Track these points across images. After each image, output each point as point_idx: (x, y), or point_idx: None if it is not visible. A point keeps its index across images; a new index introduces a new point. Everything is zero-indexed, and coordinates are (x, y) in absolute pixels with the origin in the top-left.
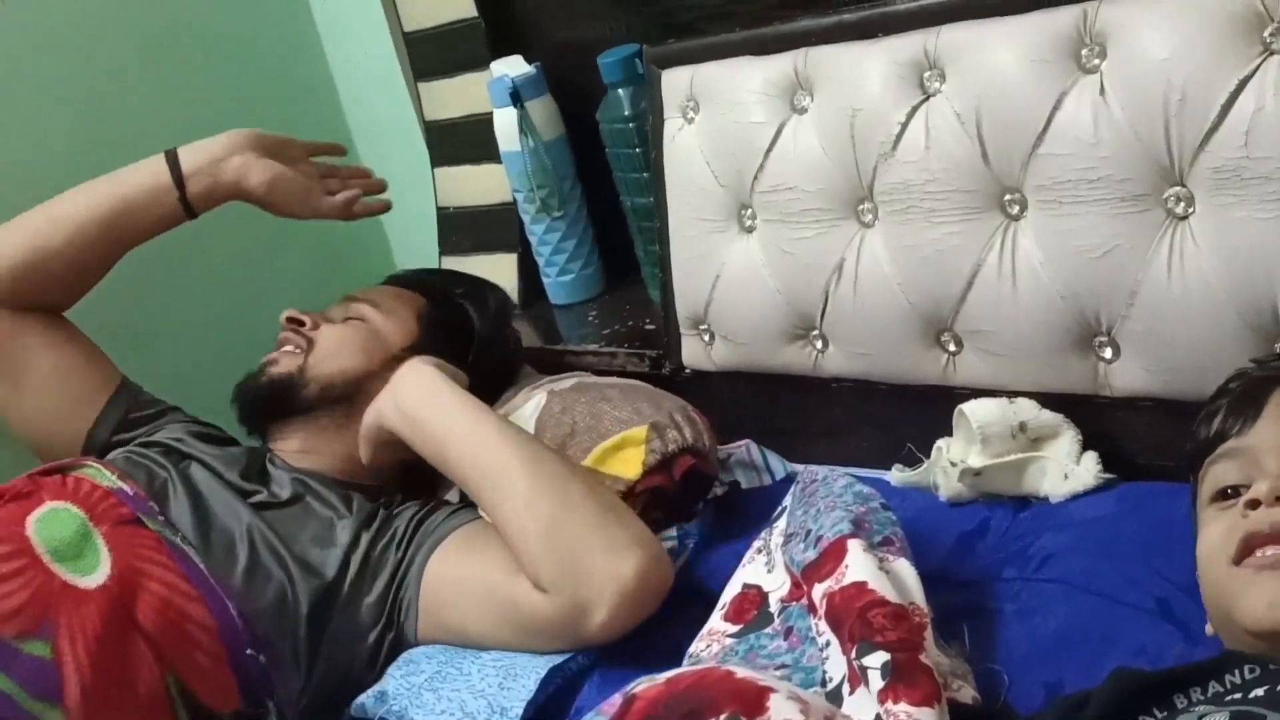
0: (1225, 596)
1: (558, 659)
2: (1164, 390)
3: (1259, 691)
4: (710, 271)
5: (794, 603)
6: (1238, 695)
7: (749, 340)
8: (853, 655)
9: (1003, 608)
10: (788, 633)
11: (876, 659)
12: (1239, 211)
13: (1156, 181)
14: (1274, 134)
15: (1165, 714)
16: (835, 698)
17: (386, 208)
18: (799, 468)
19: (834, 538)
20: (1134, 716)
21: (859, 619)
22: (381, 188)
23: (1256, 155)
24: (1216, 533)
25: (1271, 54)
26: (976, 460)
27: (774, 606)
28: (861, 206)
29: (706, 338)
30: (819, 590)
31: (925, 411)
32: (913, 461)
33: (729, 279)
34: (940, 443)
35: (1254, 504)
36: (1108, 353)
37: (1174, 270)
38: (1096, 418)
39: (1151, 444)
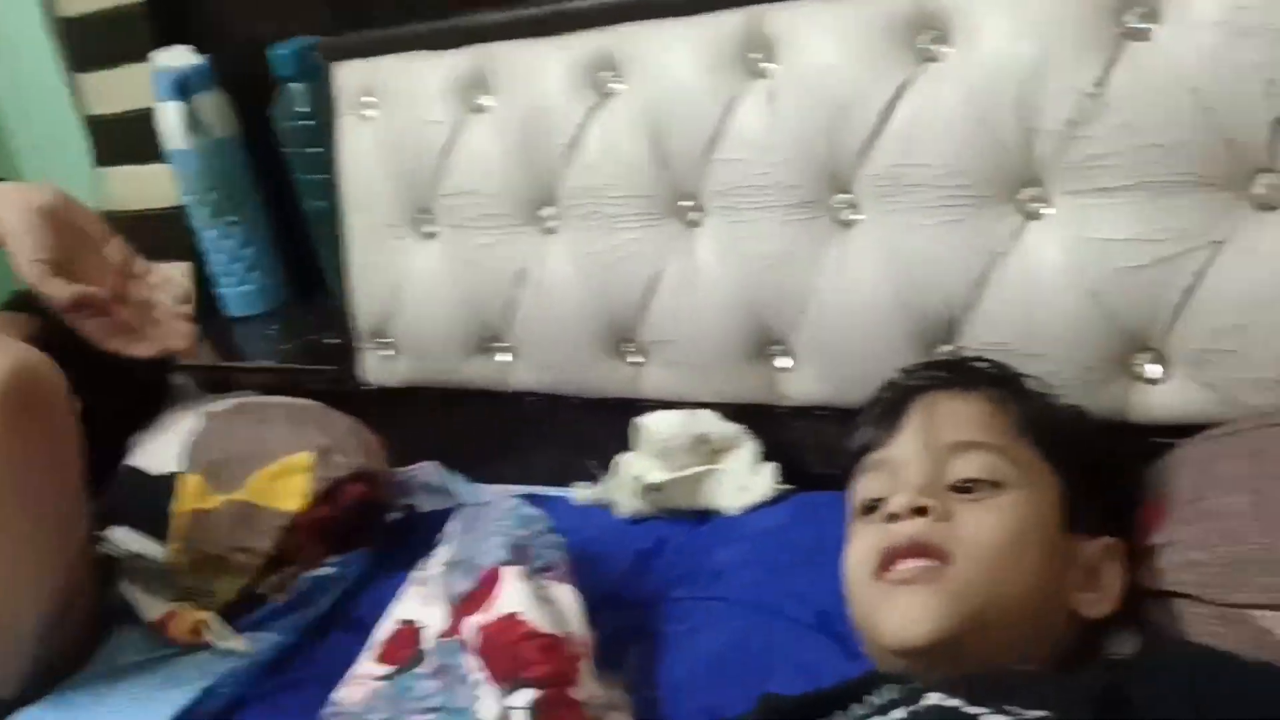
0: (867, 612)
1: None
2: (836, 398)
3: (899, 714)
4: (391, 280)
5: (449, 638)
6: (877, 718)
7: (433, 353)
8: (499, 694)
9: (669, 629)
10: (441, 671)
11: (523, 697)
12: (901, 219)
13: (824, 188)
14: (931, 141)
15: None
16: None
17: None
18: (484, 488)
19: (490, 565)
20: None
21: (508, 654)
22: None
23: (915, 162)
24: (861, 546)
25: (928, 60)
26: (657, 475)
27: (429, 644)
28: (544, 211)
29: (389, 351)
30: (471, 623)
31: (613, 425)
32: (593, 478)
33: (410, 288)
34: (621, 458)
35: (894, 516)
36: (783, 361)
37: (842, 277)
38: (775, 427)
39: (825, 452)
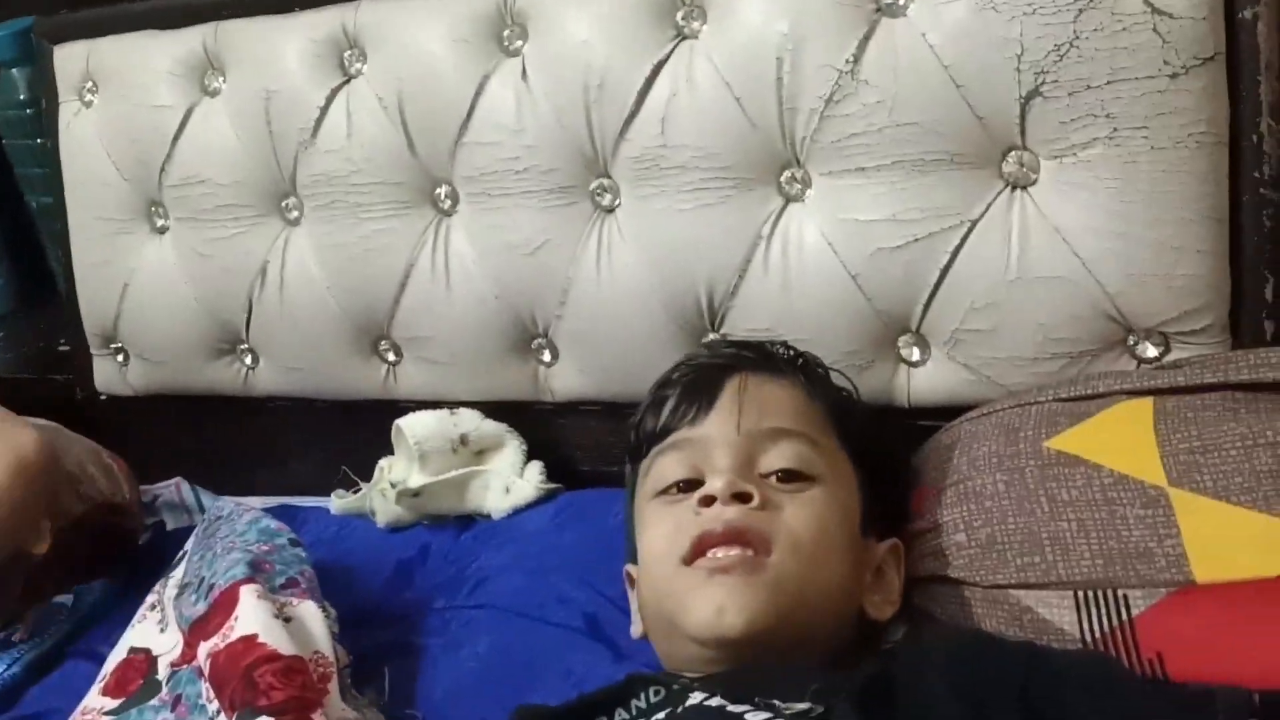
0: (672, 600)
1: None
2: (601, 393)
3: (660, 716)
4: (118, 279)
5: (184, 666)
6: None
7: (169, 358)
8: None
9: (430, 642)
10: (175, 702)
11: None
12: (660, 203)
13: (582, 172)
14: (689, 121)
15: None
16: None
17: None
18: (232, 502)
19: (227, 584)
20: None
21: (243, 680)
22: None
23: (673, 143)
24: (664, 531)
25: (684, 38)
26: (416, 480)
27: (162, 672)
28: (285, 202)
29: (120, 357)
30: (204, 649)
31: (370, 428)
32: (353, 485)
33: (140, 287)
34: (382, 463)
35: (708, 501)
36: (546, 355)
37: (603, 265)
38: (540, 425)
39: (594, 449)
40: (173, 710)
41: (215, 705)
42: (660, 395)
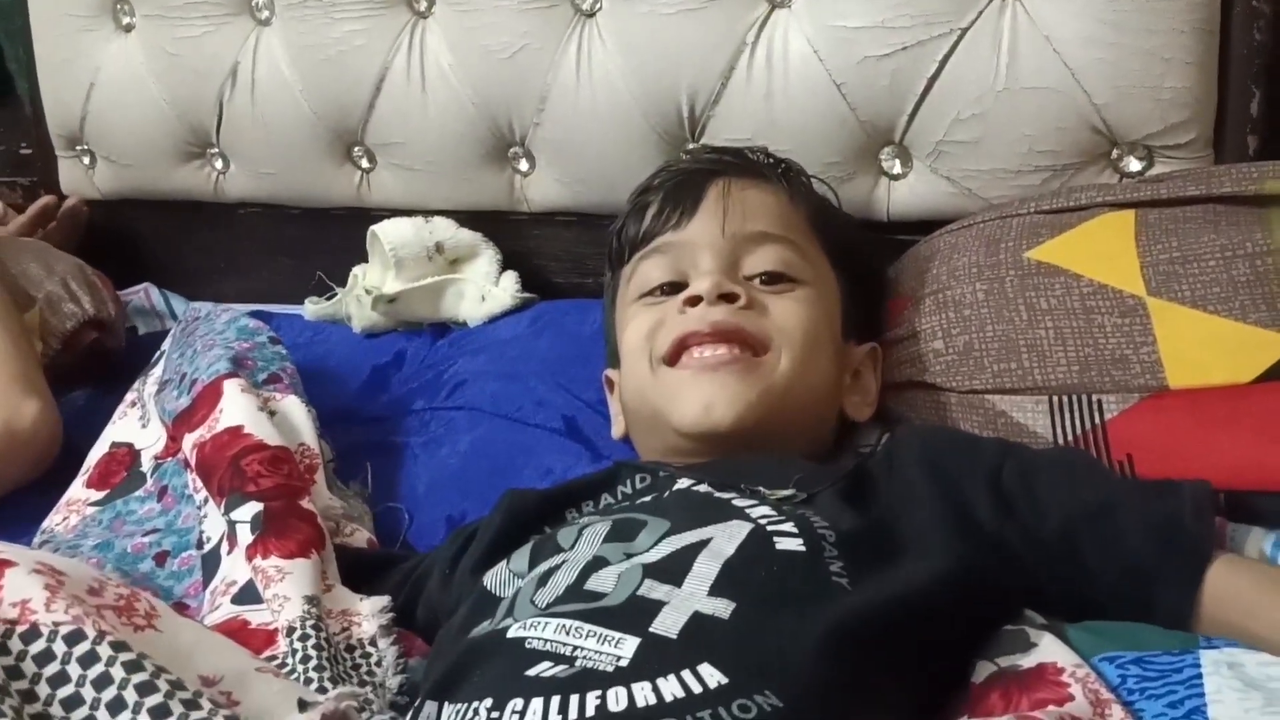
0: (655, 395)
1: None
2: (578, 203)
3: (646, 499)
4: (84, 79)
5: (169, 458)
6: (625, 505)
7: (136, 161)
8: (223, 509)
9: (409, 441)
10: (162, 493)
11: (247, 511)
12: (643, 7)
13: None
14: None
15: (553, 528)
16: (213, 559)
17: None
18: (205, 307)
19: (210, 379)
20: (526, 537)
21: (231, 468)
22: None
23: None
24: (643, 328)
25: None
26: (391, 286)
27: (147, 465)
28: (256, 0)
29: (86, 160)
30: (190, 440)
31: (342, 236)
32: (326, 291)
33: (106, 87)
34: (356, 269)
35: (694, 301)
36: (523, 165)
37: (582, 71)
38: (515, 235)
39: (569, 260)
40: (159, 500)
41: (202, 495)
42: (642, 201)
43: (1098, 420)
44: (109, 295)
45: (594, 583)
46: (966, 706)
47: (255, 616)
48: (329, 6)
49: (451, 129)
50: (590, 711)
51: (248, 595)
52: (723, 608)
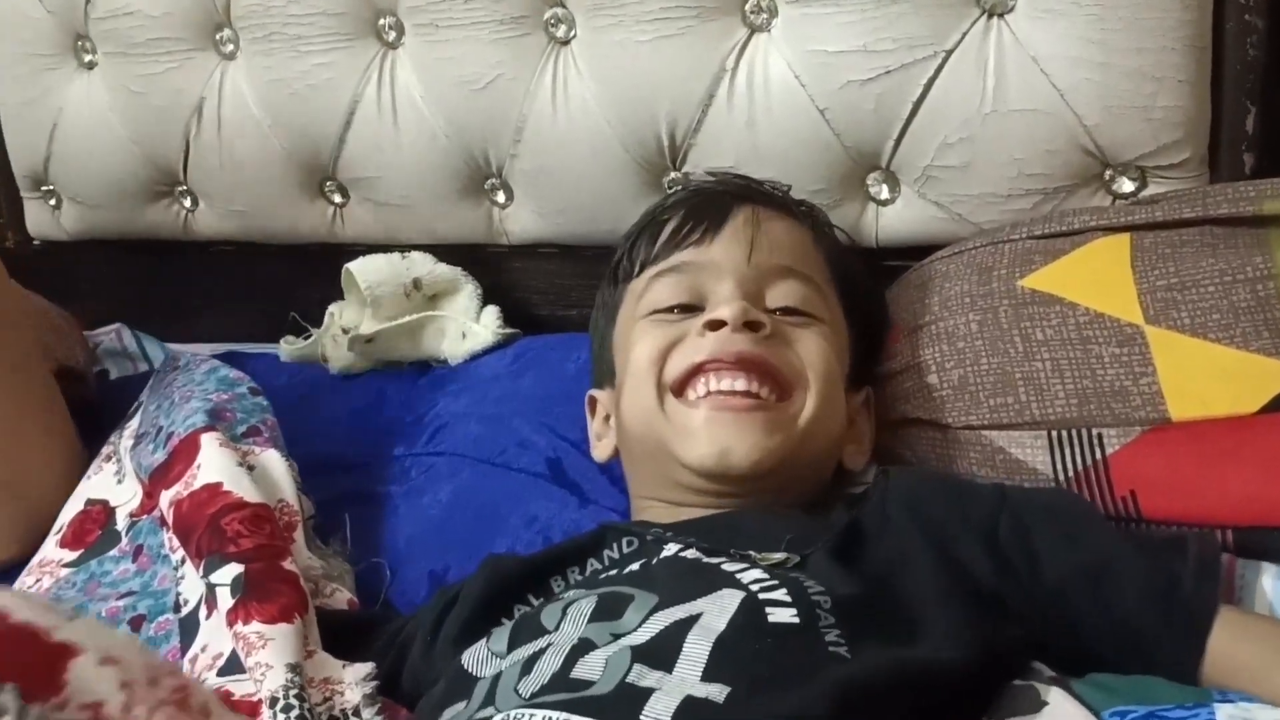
0: (663, 428)
1: None
2: (559, 235)
3: (634, 566)
4: (47, 119)
5: (144, 516)
6: (613, 572)
7: (103, 201)
8: (201, 571)
9: (389, 490)
10: (137, 553)
11: (227, 574)
12: (618, 34)
13: (535, 0)
14: None
15: (541, 600)
16: (191, 623)
17: None
18: (180, 349)
19: (186, 432)
20: (509, 607)
21: (209, 528)
22: None
23: None
24: (654, 347)
25: None
26: (368, 325)
27: (122, 523)
28: (220, 34)
29: (52, 201)
30: (166, 497)
31: (317, 274)
32: (302, 331)
33: (70, 127)
34: (332, 308)
35: (715, 325)
36: (500, 196)
37: (559, 101)
38: (496, 268)
39: (551, 293)
40: (134, 560)
41: (179, 554)
42: (659, 217)
43: (1099, 455)
44: (77, 340)
45: (580, 669)
46: None
47: (238, 688)
48: (294, 39)
49: (426, 161)
50: None
51: (231, 666)
52: (716, 693)
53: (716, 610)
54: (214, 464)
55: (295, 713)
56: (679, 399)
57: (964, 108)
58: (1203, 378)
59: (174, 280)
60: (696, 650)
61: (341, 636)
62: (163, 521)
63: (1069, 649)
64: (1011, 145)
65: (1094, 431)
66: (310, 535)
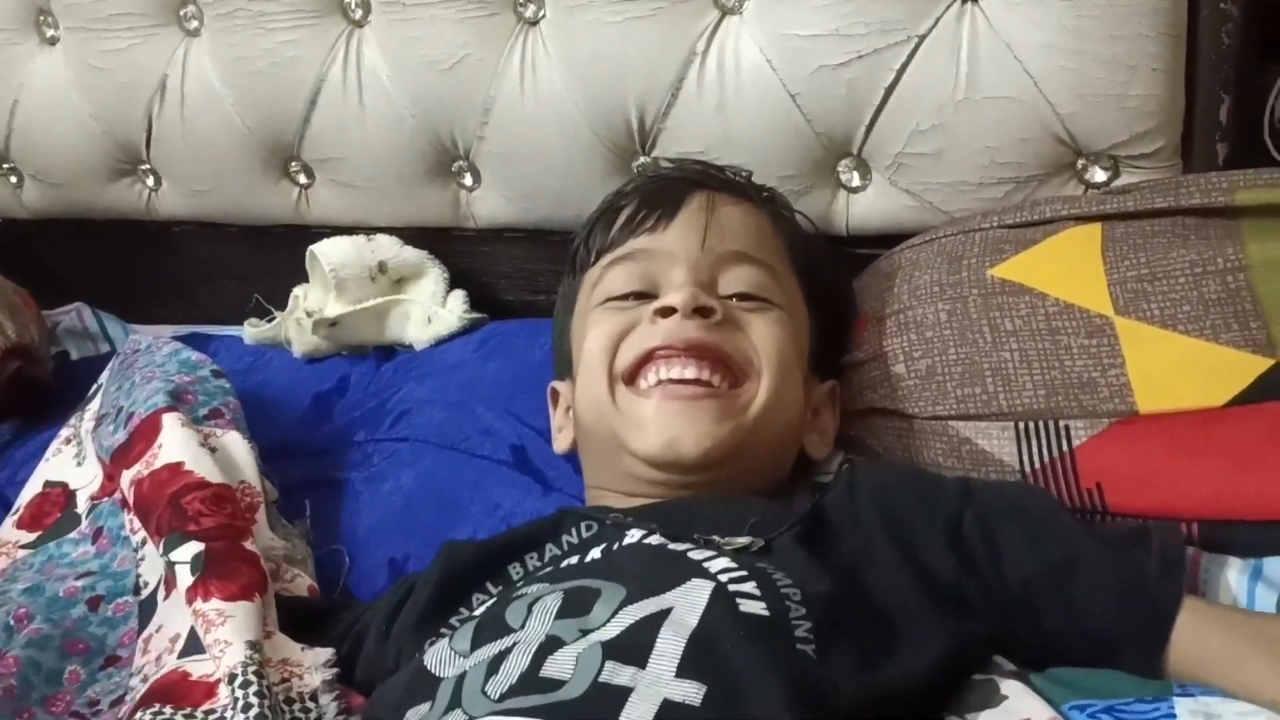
0: (614, 419)
1: None
2: (526, 219)
3: (596, 553)
4: (7, 95)
5: (105, 499)
6: (574, 560)
7: (65, 179)
8: (161, 550)
9: (351, 476)
10: (97, 535)
11: (187, 551)
12: (588, 14)
13: None
14: None
15: (500, 589)
16: (150, 605)
17: None
18: (142, 330)
19: (147, 413)
20: (467, 596)
21: (170, 506)
22: None
23: None
24: (606, 335)
25: None
26: (333, 309)
27: (82, 505)
28: (184, 10)
29: (14, 179)
30: (127, 477)
31: (282, 256)
32: (266, 314)
33: (31, 103)
34: (296, 291)
35: (666, 312)
36: (468, 179)
37: (526, 83)
38: (462, 252)
39: (518, 278)
40: (94, 543)
41: (140, 536)
42: (615, 204)
43: (1065, 447)
44: (32, 317)
45: (550, 668)
46: None
47: (196, 668)
48: (259, 16)
49: (392, 143)
50: None
51: (191, 647)
52: (694, 693)
53: (687, 605)
54: (175, 444)
55: (254, 689)
56: (630, 388)
57: (937, 94)
58: (1171, 370)
59: (137, 261)
60: (670, 646)
61: (299, 623)
62: (124, 503)
63: (1033, 645)
64: (984, 133)
65: (1061, 423)
66: (275, 517)
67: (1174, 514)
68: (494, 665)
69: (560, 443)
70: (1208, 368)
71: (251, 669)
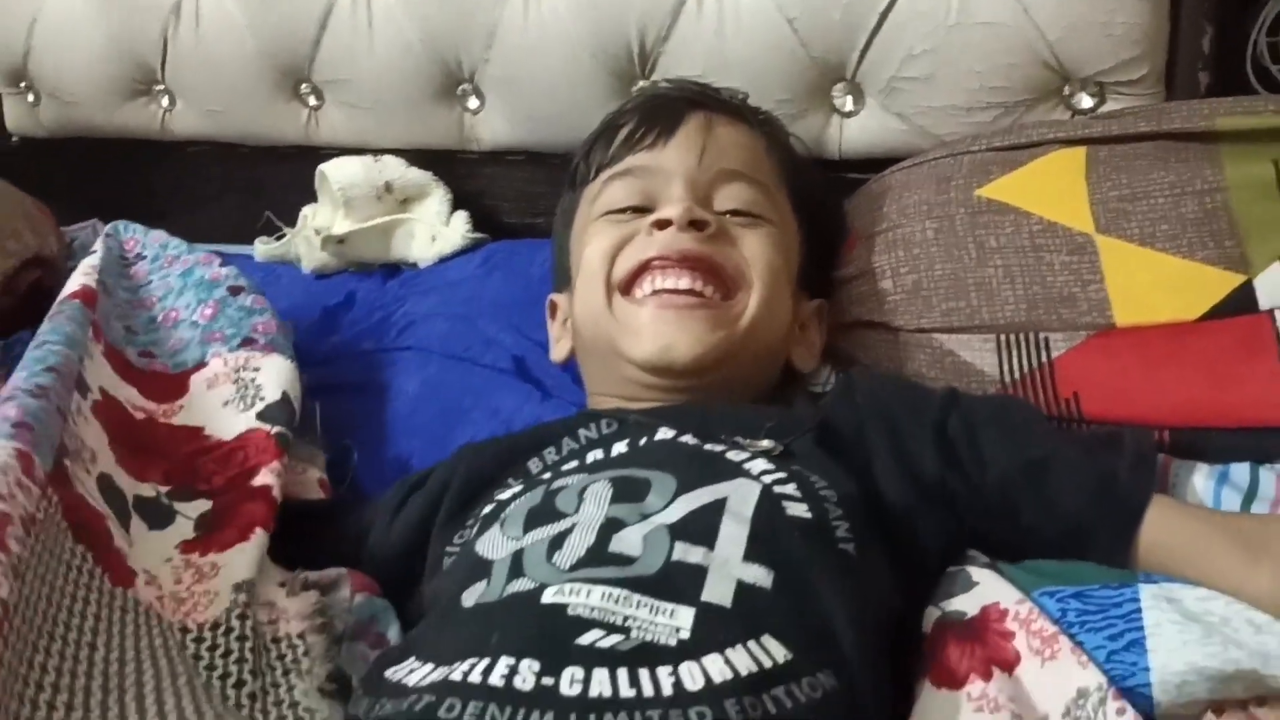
0: (610, 326)
1: None
2: (528, 142)
3: (621, 447)
4: (26, 13)
5: (77, 301)
6: (599, 454)
7: (81, 98)
8: (166, 496)
9: (358, 382)
10: (56, 314)
11: (194, 509)
12: None
13: None
14: None
15: (521, 481)
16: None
17: None
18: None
19: (176, 371)
20: (488, 488)
21: (185, 463)
22: None
23: None
24: (604, 245)
25: None
26: (341, 226)
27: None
28: None
29: (31, 97)
30: (140, 401)
31: (291, 175)
32: (276, 231)
33: (49, 22)
34: (306, 209)
35: (663, 224)
36: (472, 102)
37: (530, 7)
38: (466, 174)
39: (520, 200)
40: (50, 320)
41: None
42: (615, 122)
43: (1044, 359)
44: (51, 230)
45: (617, 544)
46: (922, 663)
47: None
48: None
49: (399, 65)
50: (667, 689)
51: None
52: (763, 576)
53: (740, 498)
54: (197, 407)
55: (235, 633)
56: (626, 297)
57: (929, 19)
58: (1148, 285)
59: (150, 179)
60: (733, 532)
61: (308, 524)
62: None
63: (1010, 541)
64: (974, 58)
65: (1041, 335)
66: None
67: (1147, 422)
68: (556, 542)
69: (557, 352)
70: (1183, 283)
71: (235, 613)
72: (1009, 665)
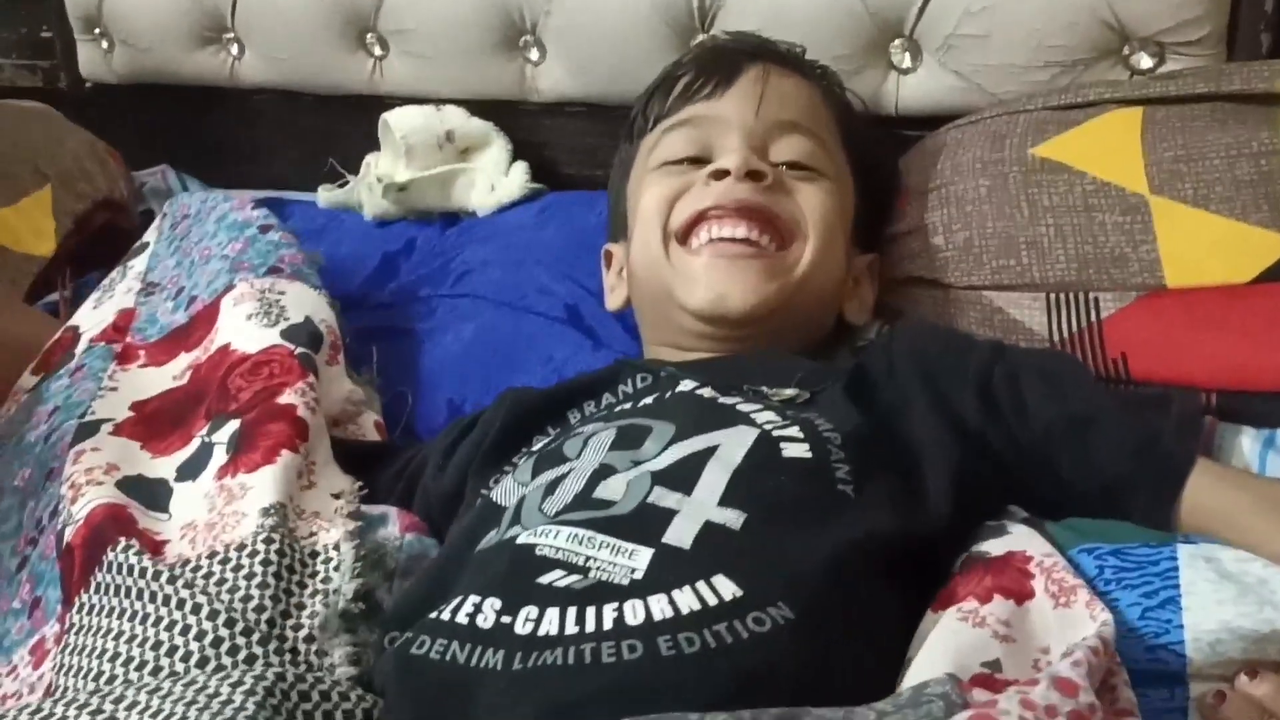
0: (668, 274)
1: None
2: (588, 94)
3: (648, 400)
4: None
5: (102, 342)
6: (628, 405)
7: (154, 45)
8: (206, 433)
9: (415, 327)
10: (76, 369)
11: (225, 432)
12: None
13: None
14: None
15: (559, 430)
16: (91, 429)
17: None
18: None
19: (210, 299)
20: (529, 437)
21: (219, 389)
22: None
23: None
24: (662, 195)
25: None
26: (402, 174)
27: (81, 346)
28: None
29: (104, 44)
30: (186, 360)
31: (355, 124)
32: (339, 179)
33: None
34: (369, 157)
35: (720, 175)
36: (534, 54)
37: None
38: (526, 125)
39: (579, 152)
40: (70, 376)
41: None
42: (673, 73)
43: (1094, 318)
44: (121, 174)
45: (602, 491)
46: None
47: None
48: None
49: (462, 16)
50: (608, 624)
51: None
52: (734, 518)
53: (733, 444)
54: (226, 325)
55: (260, 557)
56: (683, 246)
57: None
58: (1201, 247)
59: (218, 126)
60: (714, 478)
61: (361, 463)
62: (115, 352)
63: (1049, 496)
64: (1033, 16)
65: (1091, 295)
66: (347, 365)
67: (1194, 384)
68: (550, 488)
69: (613, 301)
70: (1236, 246)
71: (261, 536)
72: (1019, 596)
